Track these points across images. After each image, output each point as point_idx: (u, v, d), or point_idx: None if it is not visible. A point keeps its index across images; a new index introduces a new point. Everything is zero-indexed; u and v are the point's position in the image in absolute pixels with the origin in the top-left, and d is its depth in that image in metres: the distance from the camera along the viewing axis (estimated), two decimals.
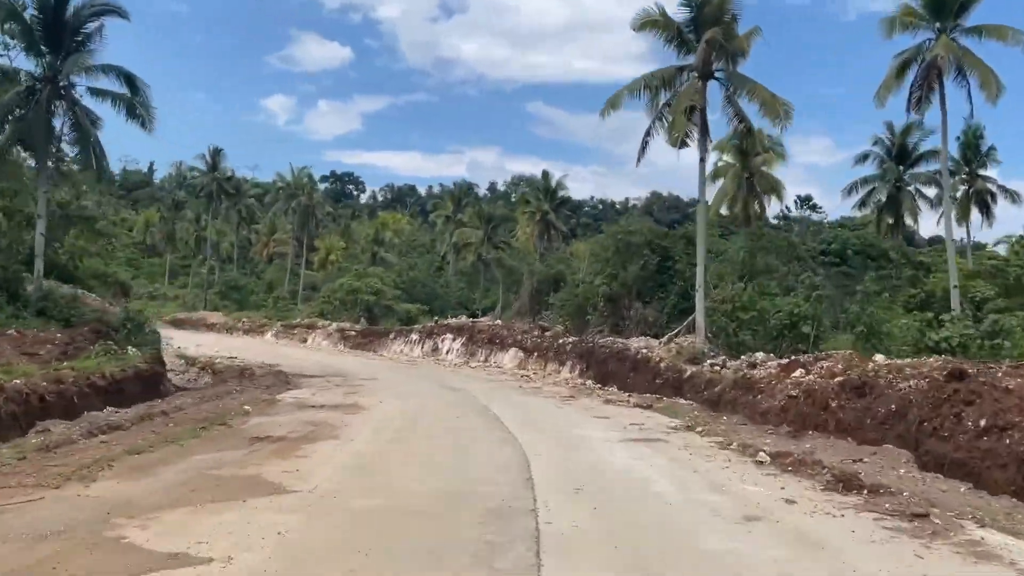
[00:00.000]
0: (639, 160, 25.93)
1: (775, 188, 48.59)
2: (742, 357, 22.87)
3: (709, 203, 37.04)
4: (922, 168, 47.75)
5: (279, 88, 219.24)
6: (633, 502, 8.86)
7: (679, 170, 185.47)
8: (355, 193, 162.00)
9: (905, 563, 6.83)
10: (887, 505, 8.89)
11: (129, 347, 20.04)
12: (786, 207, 54.07)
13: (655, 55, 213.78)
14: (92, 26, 24.43)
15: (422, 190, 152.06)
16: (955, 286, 28.07)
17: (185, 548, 6.38)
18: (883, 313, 25.85)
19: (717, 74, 24.67)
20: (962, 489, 10.25)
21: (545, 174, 64.44)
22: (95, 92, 24.00)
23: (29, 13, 23.91)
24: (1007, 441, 11.39)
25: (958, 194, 48.42)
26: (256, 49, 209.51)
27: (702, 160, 24.93)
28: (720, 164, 53.88)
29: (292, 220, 75.11)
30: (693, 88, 23.71)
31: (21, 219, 25.92)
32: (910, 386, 13.78)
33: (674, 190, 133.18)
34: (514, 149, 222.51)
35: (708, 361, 23.12)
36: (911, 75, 27.97)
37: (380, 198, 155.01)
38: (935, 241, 71.42)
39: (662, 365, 24.50)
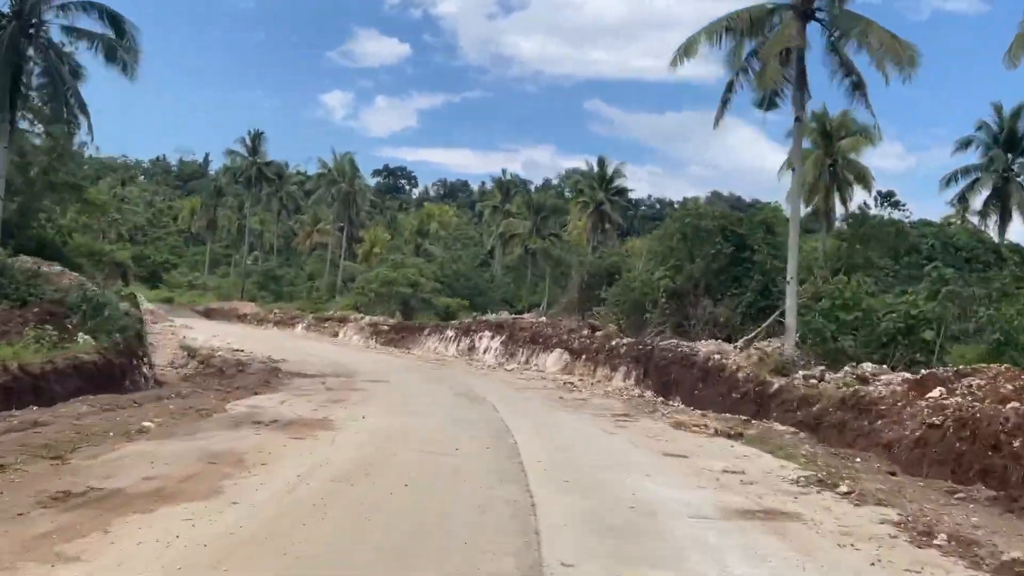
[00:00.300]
0: (717, 122, 21.28)
1: (863, 177, 42.92)
2: (845, 368, 17.99)
3: (784, 198, 32.04)
4: None
5: (337, 84, 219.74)
6: None
7: (742, 172, 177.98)
8: (407, 188, 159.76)
9: None
10: None
11: (81, 334, 16.16)
12: (864, 203, 48.25)
13: (718, 55, 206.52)
14: None
15: (475, 187, 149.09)
16: None
17: None
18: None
19: (818, 14, 19.74)
20: None
21: (601, 161, 59.61)
22: (67, 30, 20.35)
23: None
24: None
25: None
26: (317, 45, 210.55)
27: (798, 119, 19.96)
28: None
29: (333, 208, 71.65)
30: (790, 28, 18.82)
31: None
32: None
33: (736, 191, 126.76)
34: (569, 147, 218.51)
35: (800, 372, 18.28)
36: None
37: (432, 193, 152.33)
38: None
39: (740, 375, 19.71)
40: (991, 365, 15.13)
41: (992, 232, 42.71)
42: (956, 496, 8.90)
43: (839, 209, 44.43)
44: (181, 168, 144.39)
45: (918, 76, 18.05)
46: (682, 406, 18.87)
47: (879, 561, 6.28)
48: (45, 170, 23.22)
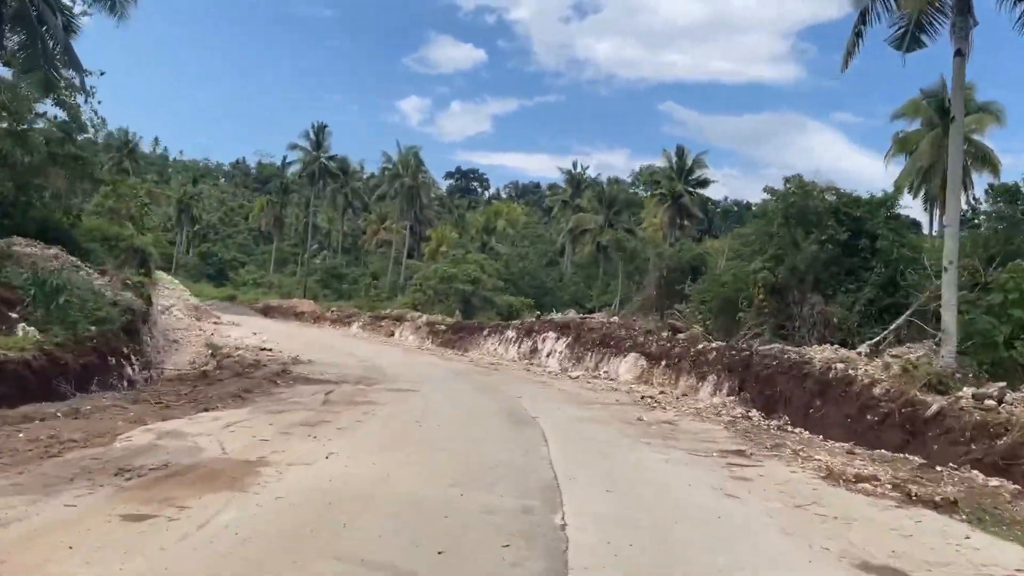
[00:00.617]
0: (847, 63, 16.64)
1: (988, 159, 36.93)
2: None
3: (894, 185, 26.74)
4: None
5: (414, 90, 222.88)
6: None
7: (822, 174, 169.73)
8: (479, 190, 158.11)
9: None
10: None
11: (24, 325, 12.80)
12: (974, 197, 41.47)
13: (799, 57, 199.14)
14: None
15: (547, 189, 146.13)
16: None
17: None
18: None
19: None
20: None
21: (680, 150, 54.62)
22: None
23: None
24: None
25: None
26: (393, 51, 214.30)
27: (959, 54, 15.05)
28: (903, 135, 42.76)
29: (396, 203, 68.69)
30: None
31: None
32: None
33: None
34: (644, 151, 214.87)
35: (967, 389, 13.47)
36: None
37: (503, 195, 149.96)
38: None
39: (876, 391, 14.96)
40: None
41: None
42: None
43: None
44: (260, 170, 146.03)
45: None
46: (803, 432, 14.26)
47: None
48: (47, 139, 20.26)
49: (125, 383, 15.54)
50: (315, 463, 7.80)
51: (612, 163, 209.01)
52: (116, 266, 22.84)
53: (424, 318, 42.70)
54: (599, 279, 56.90)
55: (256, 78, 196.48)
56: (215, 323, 37.64)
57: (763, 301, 23.18)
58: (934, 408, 13.20)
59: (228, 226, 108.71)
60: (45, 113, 20.68)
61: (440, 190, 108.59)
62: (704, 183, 55.73)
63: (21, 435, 7.65)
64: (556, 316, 32.32)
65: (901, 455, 11.64)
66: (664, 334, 26.09)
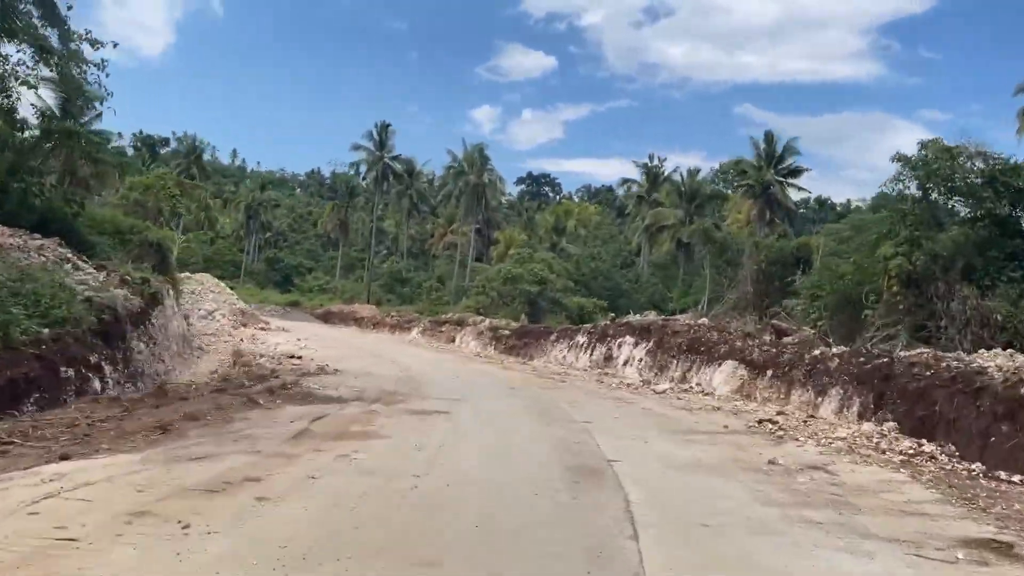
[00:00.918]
0: None
1: None
2: None
3: None
4: None
5: (485, 99, 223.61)
6: None
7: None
8: (551, 195, 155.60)
9: None
10: None
11: None
12: None
13: (880, 53, 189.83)
14: None
15: (620, 193, 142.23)
16: None
17: None
18: None
19: None
20: None
21: (769, 136, 49.37)
22: None
23: None
24: None
25: None
26: (465, 61, 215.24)
27: None
28: None
29: (461, 201, 65.42)
30: None
31: None
32: None
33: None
34: (719, 154, 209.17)
35: None
36: None
37: (576, 199, 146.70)
38: None
39: None
40: None
41: None
42: None
43: None
44: (333, 180, 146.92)
45: None
46: (997, 475, 9.77)
47: None
48: (43, 114, 17.44)
49: (90, 397, 12.27)
50: None
51: (687, 166, 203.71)
52: (128, 261, 19.88)
53: (487, 322, 39.04)
54: (679, 279, 52.13)
55: (332, 91, 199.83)
56: (261, 329, 34.92)
57: (896, 295, 18.53)
58: None
59: (297, 233, 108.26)
60: (36, 88, 17.94)
61: (511, 196, 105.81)
62: (796, 172, 50.18)
63: None
64: (633, 318, 28.09)
65: None
66: (766, 337, 21.63)
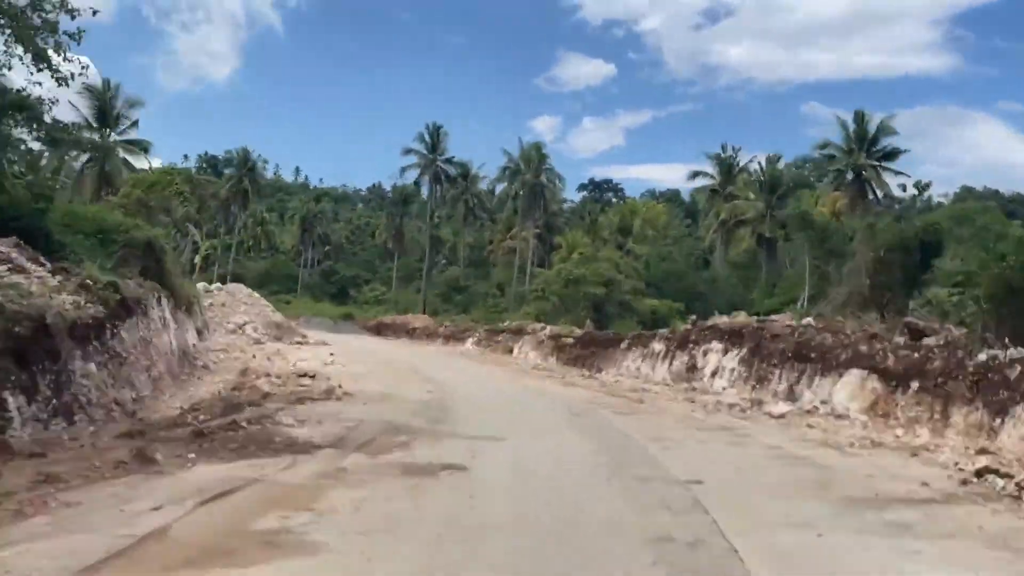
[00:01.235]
0: None
1: None
2: None
3: None
4: None
5: (545, 109, 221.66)
6: None
7: (988, 168, 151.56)
8: (614, 201, 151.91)
9: None
10: None
11: None
12: None
13: (954, 45, 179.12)
14: None
15: (686, 197, 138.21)
16: None
17: None
18: None
19: None
20: None
21: (859, 115, 43.73)
22: None
23: None
24: None
25: None
26: (524, 73, 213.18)
27: None
28: None
29: (518, 203, 61.41)
30: None
31: None
32: None
33: (991, 185, 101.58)
34: (786, 153, 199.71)
35: None
36: None
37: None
38: None
39: None
40: None
41: None
42: None
43: None
44: (393, 192, 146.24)
45: None
46: None
47: None
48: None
49: None
50: None
51: (754, 167, 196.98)
52: (111, 263, 16.57)
53: (547, 330, 34.92)
54: (762, 279, 46.88)
55: (392, 108, 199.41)
56: (297, 343, 31.62)
57: None
58: None
59: (355, 245, 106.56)
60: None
61: (572, 202, 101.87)
62: (892, 154, 44.27)
63: None
64: (720, 320, 23.55)
65: None
66: (899, 339, 16.92)
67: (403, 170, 68.99)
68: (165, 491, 5.99)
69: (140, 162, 41.85)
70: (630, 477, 7.63)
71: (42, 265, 14.45)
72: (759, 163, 49.59)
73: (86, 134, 44.37)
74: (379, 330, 53.34)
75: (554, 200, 65.90)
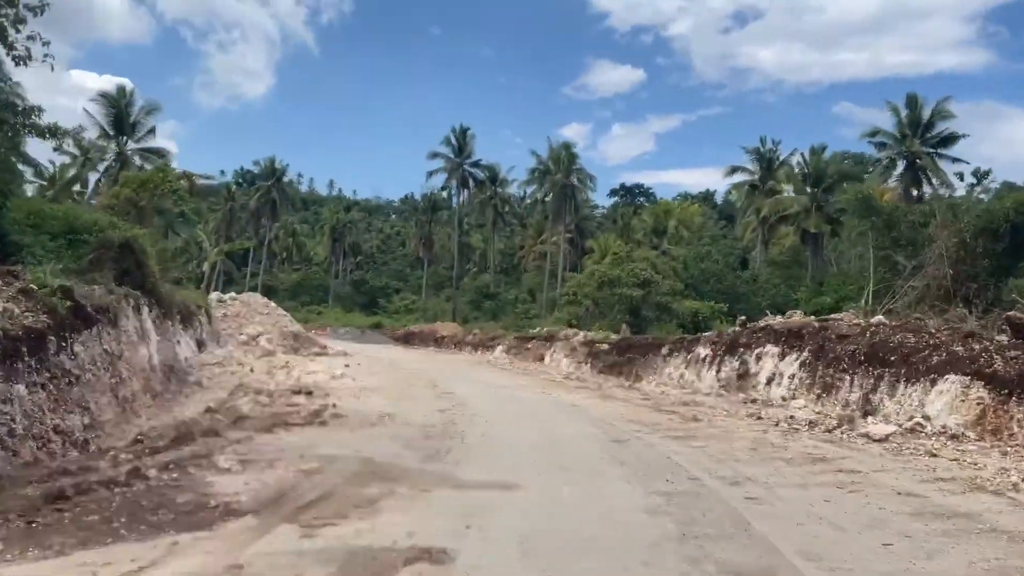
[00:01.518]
0: None
1: None
2: None
3: None
4: None
5: (575, 116, 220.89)
6: None
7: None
8: (645, 205, 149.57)
9: None
10: None
11: None
12: None
13: (989, 40, 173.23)
14: None
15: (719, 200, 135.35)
16: None
17: None
18: None
19: None
20: None
21: (912, 100, 40.55)
22: None
23: None
24: None
25: None
26: (553, 82, 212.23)
27: None
28: None
29: (548, 205, 59.00)
30: None
31: None
32: None
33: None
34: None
35: None
36: None
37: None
38: None
39: None
40: None
41: None
42: None
43: None
44: (423, 201, 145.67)
45: None
46: None
47: None
48: None
49: None
50: None
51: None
52: (81, 266, 14.58)
53: (580, 336, 32.45)
54: (807, 277, 43.85)
55: (423, 120, 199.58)
56: (315, 354, 29.58)
57: None
58: None
59: (386, 254, 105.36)
60: None
61: (603, 209, 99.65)
62: (949, 140, 41.06)
63: None
64: (774, 320, 20.89)
65: None
66: (1000, 338, 14.20)
67: (430, 174, 66.99)
68: None
69: None
70: (714, 566, 4.99)
71: None
72: (802, 155, 46.63)
73: (101, 143, 43.18)
74: (407, 339, 51.33)
75: (585, 203, 63.29)
